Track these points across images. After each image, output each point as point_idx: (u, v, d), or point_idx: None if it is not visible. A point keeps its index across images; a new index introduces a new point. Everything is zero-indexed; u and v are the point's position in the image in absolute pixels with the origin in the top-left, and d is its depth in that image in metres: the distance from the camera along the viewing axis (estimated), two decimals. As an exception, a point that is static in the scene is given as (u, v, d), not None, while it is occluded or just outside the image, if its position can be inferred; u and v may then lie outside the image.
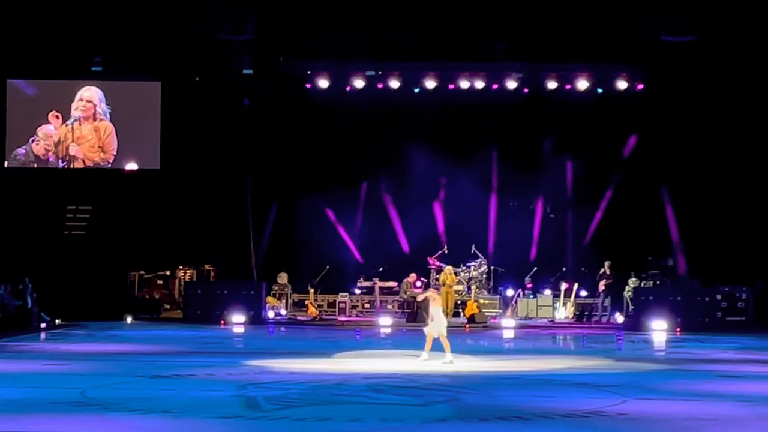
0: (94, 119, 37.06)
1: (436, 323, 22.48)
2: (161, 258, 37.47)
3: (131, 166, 36.86)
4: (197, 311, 33.94)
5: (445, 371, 20.83)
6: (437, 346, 22.31)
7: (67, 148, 36.88)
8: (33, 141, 36.86)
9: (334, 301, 36.54)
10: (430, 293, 24.05)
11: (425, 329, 22.90)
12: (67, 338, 28.52)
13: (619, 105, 36.58)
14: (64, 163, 36.98)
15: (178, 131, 36.43)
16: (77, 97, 37.00)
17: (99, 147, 37.02)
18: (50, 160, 36.94)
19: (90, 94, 37.13)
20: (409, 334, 29.94)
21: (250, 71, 36.06)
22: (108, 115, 37.02)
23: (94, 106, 37.02)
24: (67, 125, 36.92)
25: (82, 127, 37.07)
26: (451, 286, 34.51)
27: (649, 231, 36.05)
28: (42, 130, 36.91)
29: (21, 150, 36.86)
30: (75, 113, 36.95)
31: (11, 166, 36.65)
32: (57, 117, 36.88)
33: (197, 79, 36.72)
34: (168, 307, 37.35)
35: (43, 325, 30.97)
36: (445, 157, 37.22)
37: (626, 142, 37.26)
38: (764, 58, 34.56)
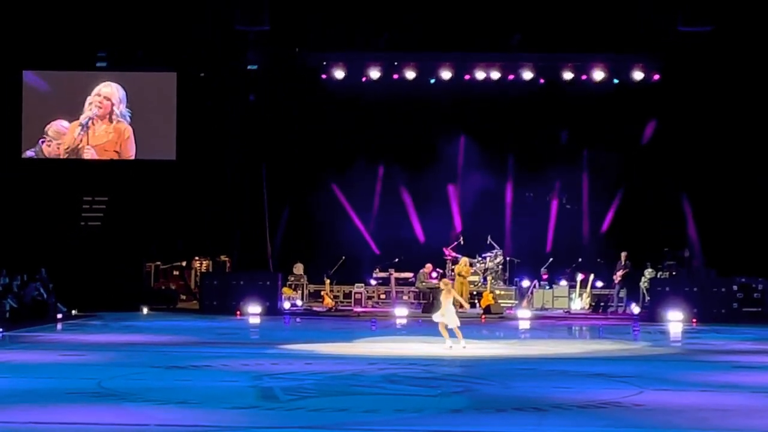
0: (110, 120, 36.08)
1: (449, 316, 22.74)
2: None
3: None
4: (213, 302, 33.99)
5: (461, 358, 20.87)
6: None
7: (81, 152, 36.17)
8: (43, 142, 35.95)
9: (350, 291, 36.59)
10: (443, 283, 24.25)
11: (435, 318, 23.20)
12: (84, 329, 28.58)
13: (635, 95, 36.47)
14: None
15: (193, 122, 36.41)
16: (94, 91, 36.03)
17: (115, 151, 36.16)
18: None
19: (109, 90, 36.04)
20: (425, 325, 29.93)
21: (261, 64, 36.02)
22: (128, 118, 36.14)
23: (112, 104, 36.02)
24: (80, 124, 35.95)
25: (96, 126, 36.07)
26: (466, 277, 34.48)
27: (665, 222, 36.00)
28: (52, 128, 35.99)
29: (30, 152, 35.96)
30: (90, 109, 35.95)
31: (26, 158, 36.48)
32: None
33: (212, 69, 36.63)
34: (184, 297, 37.45)
35: (59, 316, 31.03)
36: (460, 147, 37.19)
37: (643, 132, 37.17)
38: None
